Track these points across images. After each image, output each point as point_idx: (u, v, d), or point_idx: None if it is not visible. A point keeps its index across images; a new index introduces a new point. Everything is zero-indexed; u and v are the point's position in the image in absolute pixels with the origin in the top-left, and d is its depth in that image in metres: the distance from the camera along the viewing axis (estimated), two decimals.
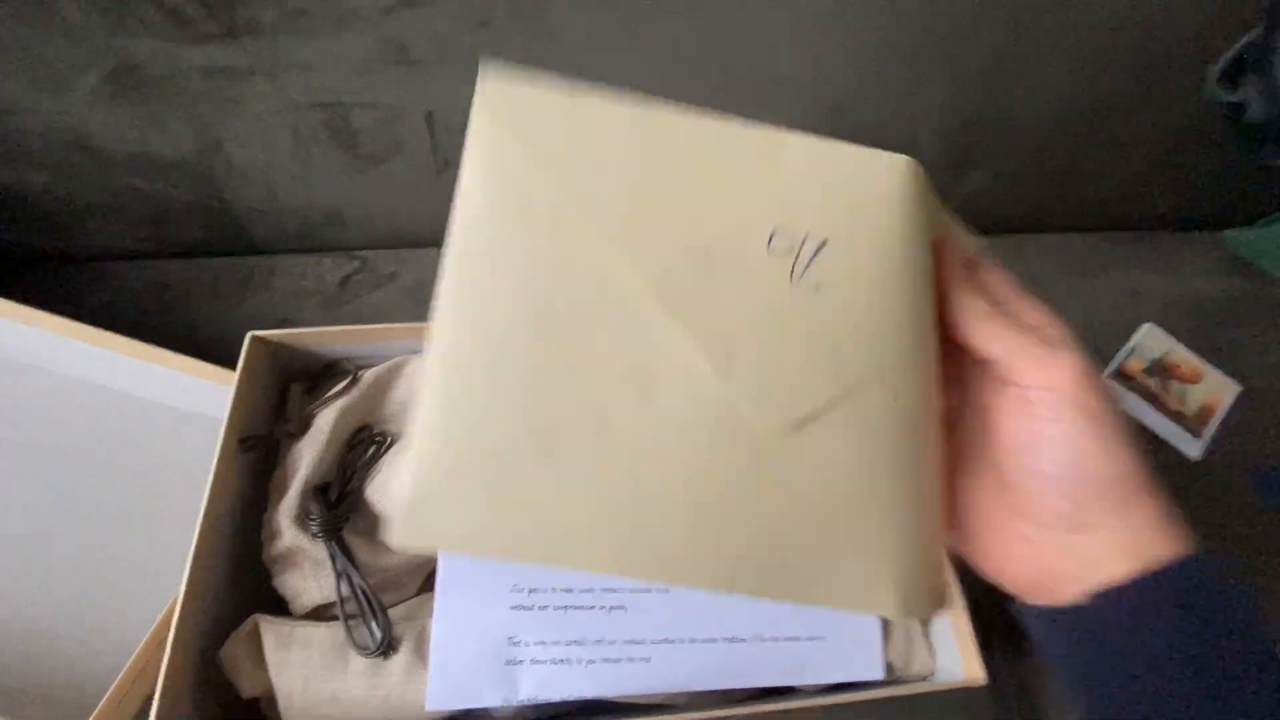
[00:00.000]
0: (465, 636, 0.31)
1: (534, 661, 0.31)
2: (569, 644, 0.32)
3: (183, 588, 0.30)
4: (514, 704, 0.31)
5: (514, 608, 0.32)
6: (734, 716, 0.34)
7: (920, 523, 0.19)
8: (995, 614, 0.39)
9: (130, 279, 0.57)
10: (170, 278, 0.58)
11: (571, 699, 0.31)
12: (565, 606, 0.32)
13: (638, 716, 0.32)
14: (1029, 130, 0.60)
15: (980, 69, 0.53)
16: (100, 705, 0.31)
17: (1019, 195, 0.66)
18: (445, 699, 0.30)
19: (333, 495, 0.35)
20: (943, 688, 0.35)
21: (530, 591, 0.32)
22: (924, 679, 0.38)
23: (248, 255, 0.60)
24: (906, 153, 0.20)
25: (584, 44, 0.47)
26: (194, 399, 0.45)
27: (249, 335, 0.37)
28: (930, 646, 0.38)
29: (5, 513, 0.41)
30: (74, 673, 0.36)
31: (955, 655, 0.36)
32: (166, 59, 0.45)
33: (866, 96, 0.55)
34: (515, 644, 0.31)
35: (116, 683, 0.32)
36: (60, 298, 0.44)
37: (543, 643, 0.32)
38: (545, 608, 0.32)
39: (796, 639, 0.34)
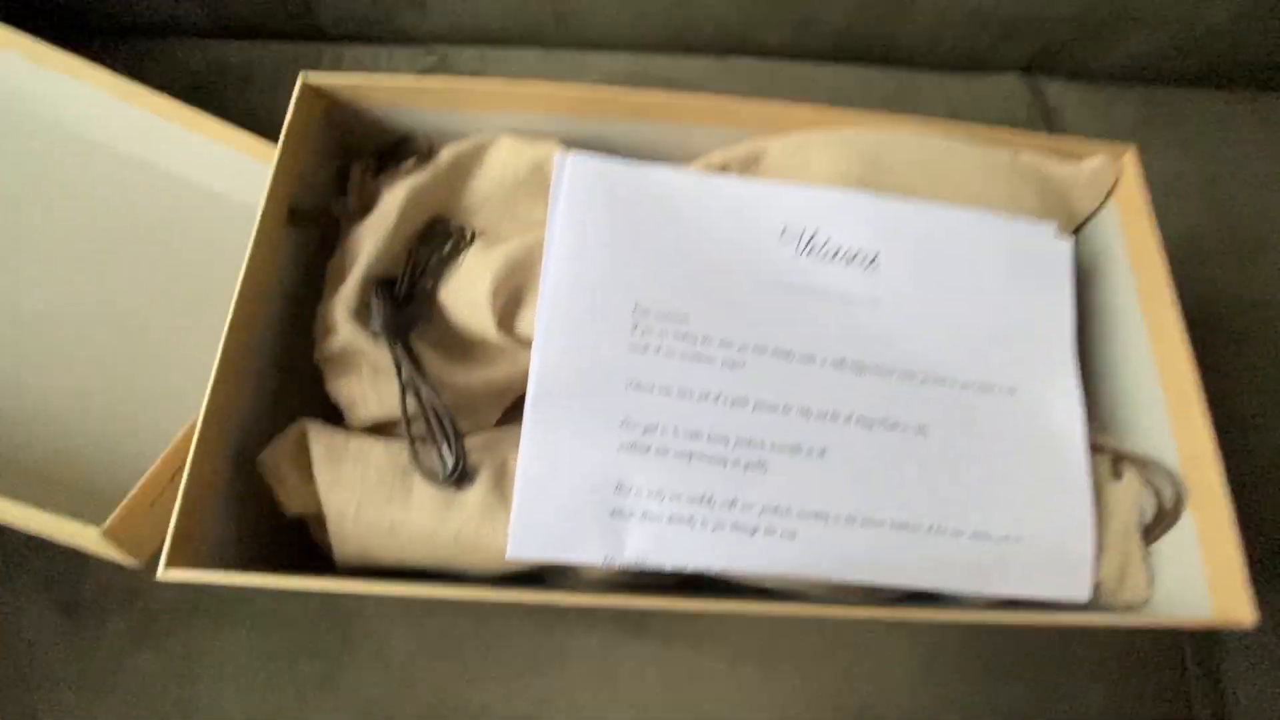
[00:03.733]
0: (560, 473, 0.24)
1: (646, 516, 0.24)
2: (692, 501, 0.24)
3: (214, 369, 0.24)
4: (617, 564, 0.24)
5: (624, 446, 0.24)
6: (881, 619, 0.26)
7: None
8: None
9: (187, 58, 0.50)
10: (229, 60, 0.50)
11: (689, 569, 0.24)
12: (689, 454, 0.25)
13: (752, 598, 0.25)
14: None
15: None
16: (124, 501, 0.26)
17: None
18: (531, 547, 0.24)
19: (399, 292, 0.28)
20: (1178, 624, 0.26)
21: (645, 430, 0.25)
22: (1132, 609, 0.29)
23: (313, 41, 0.51)
24: None
25: None
26: (243, 182, 0.38)
27: (301, 75, 0.28)
28: (1149, 570, 0.29)
29: (37, 287, 0.37)
30: (105, 463, 0.31)
31: (1197, 587, 0.26)
32: None
33: None
34: (624, 492, 0.24)
35: (142, 481, 0.26)
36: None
37: (659, 494, 0.24)
38: (665, 452, 0.25)
39: (986, 536, 0.26)
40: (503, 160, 0.30)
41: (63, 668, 0.34)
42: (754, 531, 0.24)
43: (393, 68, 0.50)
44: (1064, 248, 0.30)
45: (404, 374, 0.26)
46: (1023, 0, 0.48)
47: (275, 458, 0.25)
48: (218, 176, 0.39)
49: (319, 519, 0.25)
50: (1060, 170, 0.31)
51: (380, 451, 0.25)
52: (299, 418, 0.27)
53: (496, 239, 0.29)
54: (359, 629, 0.35)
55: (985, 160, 0.30)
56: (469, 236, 0.29)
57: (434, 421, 0.26)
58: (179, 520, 0.22)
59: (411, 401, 0.26)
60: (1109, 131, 0.51)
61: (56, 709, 0.33)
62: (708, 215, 0.28)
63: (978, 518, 0.26)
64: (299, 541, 0.28)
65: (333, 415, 0.28)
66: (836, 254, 0.28)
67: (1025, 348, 0.29)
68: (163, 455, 0.27)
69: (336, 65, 0.50)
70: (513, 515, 0.23)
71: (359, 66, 0.50)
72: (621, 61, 0.51)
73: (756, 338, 0.26)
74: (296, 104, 0.28)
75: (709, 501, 0.24)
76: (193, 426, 0.28)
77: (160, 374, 0.35)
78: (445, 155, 0.30)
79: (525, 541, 0.23)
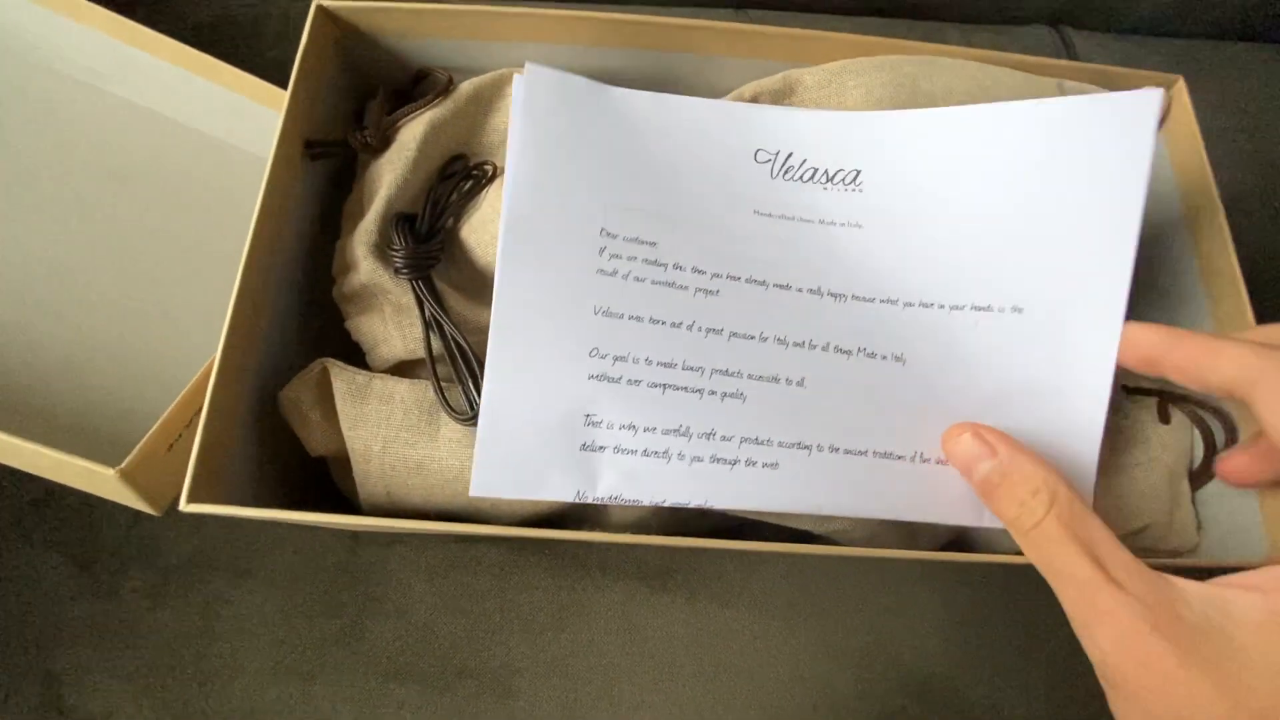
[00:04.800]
0: (526, 404, 0.22)
1: (619, 450, 0.23)
2: (667, 433, 0.23)
3: (231, 304, 0.23)
4: (590, 500, 0.23)
5: (593, 377, 0.23)
6: (912, 559, 0.26)
7: None
8: None
9: (193, 11, 0.49)
10: (233, 12, 0.49)
11: (667, 504, 0.23)
12: (662, 385, 0.23)
13: (753, 540, 0.24)
14: None
15: None
16: (142, 441, 0.25)
17: None
18: (496, 484, 0.22)
19: (421, 228, 0.27)
20: (1229, 567, 0.25)
21: (615, 359, 0.23)
22: (1179, 555, 0.28)
23: None
24: None
25: None
26: (254, 130, 0.37)
27: (314, 4, 0.27)
28: (1197, 516, 0.28)
29: (48, 236, 0.36)
30: (122, 413, 0.31)
31: (1252, 529, 0.26)
32: None
33: None
34: (594, 424, 0.23)
35: (161, 420, 0.26)
36: None
37: (631, 427, 0.23)
38: (636, 382, 0.23)
39: None
40: None
41: (80, 624, 0.33)
42: (734, 464, 0.23)
43: None
44: (1153, 98, 0.24)
45: (427, 311, 0.25)
46: None
47: (295, 395, 0.24)
48: (228, 124, 0.38)
49: (342, 461, 0.24)
50: None
51: (405, 389, 0.24)
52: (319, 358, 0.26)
53: None
54: (379, 586, 0.34)
55: (1030, 88, 0.29)
56: (490, 173, 0.28)
57: (459, 358, 0.25)
58: (200, 454, 0.21)
59: (435, 341, 0.25)
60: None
61: (74, 665, 0.32)
62: (677, 138, 0.26)
63: None
64: (324, 495, 0.27)
65: (353, 359, 0.27)
66: (814, 175, 0.27)
67: (1048, 256, 0.25)
68: (181, 396, 0.26)
69: None
70: (476, 451, 0.22)
71: None
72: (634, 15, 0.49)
73: (730, 266, 0.25)
74: (310, 29, 0.27)
75: (685, 433, 0.23)
76: (210, 369, 0.27)
77: (177, 324, 0.34)
78: (465, 89, 0.29)
79: (490, 478, 0.22)
